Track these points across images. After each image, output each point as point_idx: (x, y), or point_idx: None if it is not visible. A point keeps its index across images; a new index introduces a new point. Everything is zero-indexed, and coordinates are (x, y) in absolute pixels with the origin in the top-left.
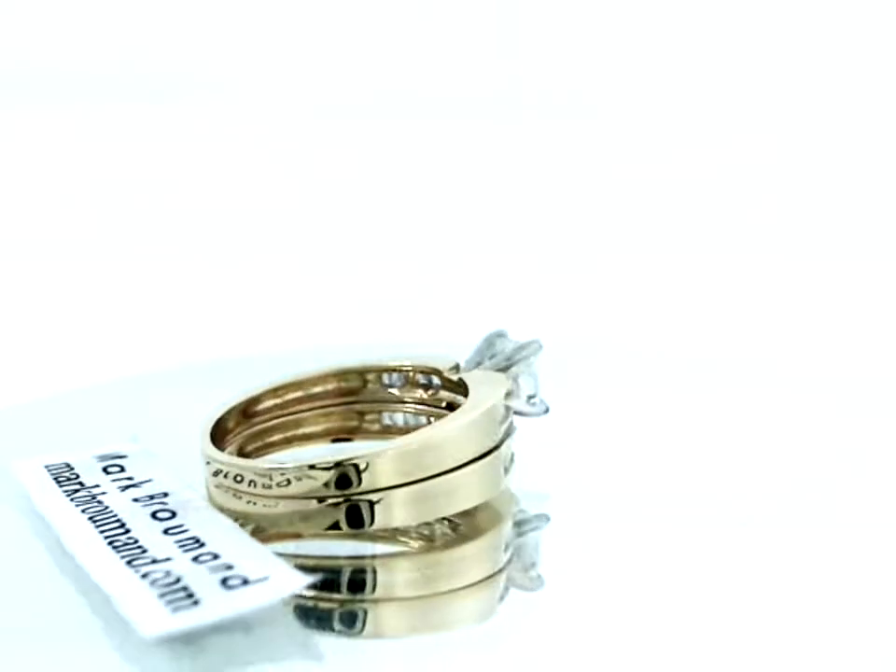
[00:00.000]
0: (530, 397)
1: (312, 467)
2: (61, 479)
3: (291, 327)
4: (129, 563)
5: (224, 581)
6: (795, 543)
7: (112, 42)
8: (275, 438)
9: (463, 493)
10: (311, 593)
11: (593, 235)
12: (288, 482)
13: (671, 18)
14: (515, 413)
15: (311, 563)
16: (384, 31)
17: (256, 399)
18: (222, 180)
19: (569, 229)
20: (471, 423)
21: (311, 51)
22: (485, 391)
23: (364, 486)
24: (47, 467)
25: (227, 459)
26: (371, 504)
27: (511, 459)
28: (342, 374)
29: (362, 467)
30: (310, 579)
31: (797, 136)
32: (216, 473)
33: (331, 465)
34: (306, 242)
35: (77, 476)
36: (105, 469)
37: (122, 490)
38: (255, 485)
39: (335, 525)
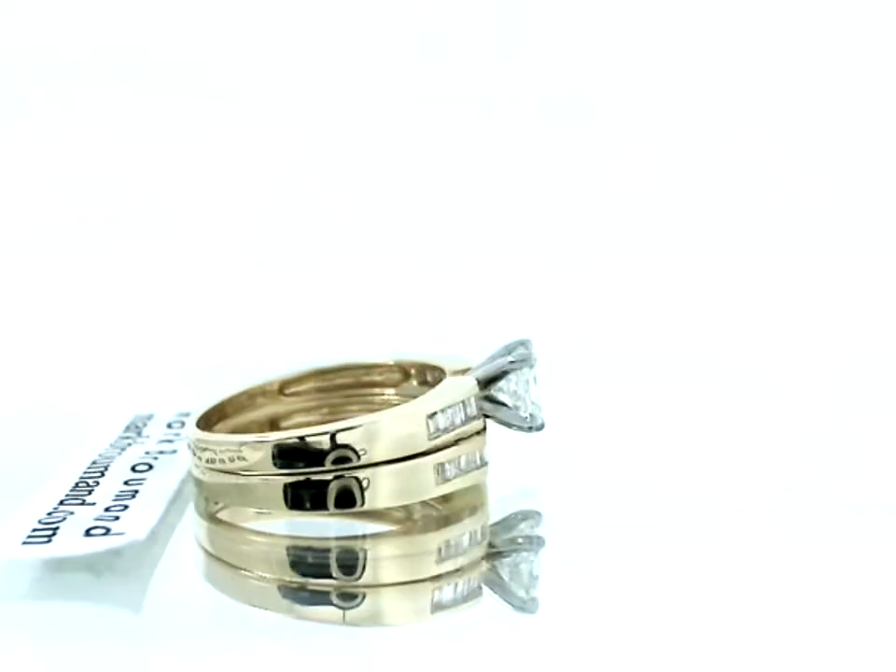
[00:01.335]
0: (531, 414)
1: (244, 444)
2: (130, 426)
3: (302, 328)
4: (61, 502)
5: (90, 529)
6: (800, 553)
7: (112, 42)
8: (312, 418)
9: (377, 492)
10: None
11: (592, 237)
12: (223, 461)
13: (670, 18)
14: (507, 426)
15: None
16: (384, 31)
17: (292, 381)
18: (228, 181)
19: (569, 230)
20: (384, 422)
21: (310, 52)
22: (434, 395)
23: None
24: (135, 415)
25: (191, 432)
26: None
27: (478, 464)
28: (380, 367)
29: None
30: (143, 535)
31: (795, 137)
32: (188, 445)
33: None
34: (320, 245)
35: (146, 426)
36: (169, 424)
37: (156, 443)
38: (200, 458)
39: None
